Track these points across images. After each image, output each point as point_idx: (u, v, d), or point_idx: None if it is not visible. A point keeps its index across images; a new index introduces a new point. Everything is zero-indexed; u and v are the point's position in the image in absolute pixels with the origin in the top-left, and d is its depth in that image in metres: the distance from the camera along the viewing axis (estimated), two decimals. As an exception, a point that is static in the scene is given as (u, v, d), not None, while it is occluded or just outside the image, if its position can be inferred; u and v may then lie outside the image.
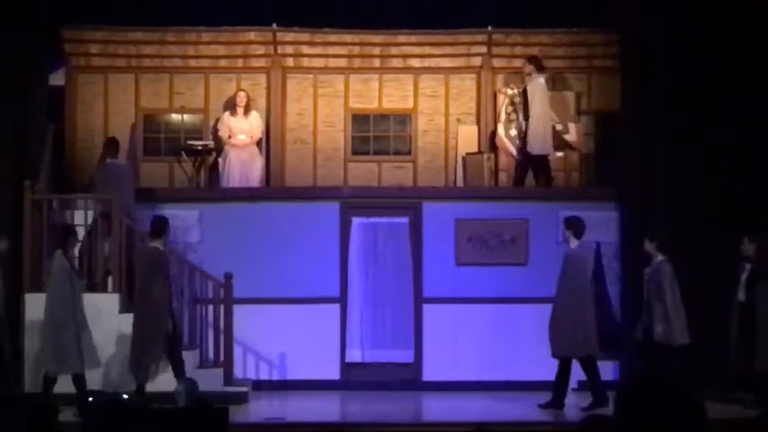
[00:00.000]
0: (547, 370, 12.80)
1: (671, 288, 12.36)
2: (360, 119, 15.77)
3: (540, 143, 14.91)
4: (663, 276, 12.35)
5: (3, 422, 7.09)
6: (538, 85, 14.97)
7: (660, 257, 12.42)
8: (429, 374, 14.36)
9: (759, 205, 13.22)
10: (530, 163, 15.00)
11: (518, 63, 15.55)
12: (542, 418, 11.86)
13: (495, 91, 15.49)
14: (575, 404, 12.33)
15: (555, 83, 15.39)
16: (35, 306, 12.76)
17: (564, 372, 12.33)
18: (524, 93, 15.05)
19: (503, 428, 11.18)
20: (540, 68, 15.02)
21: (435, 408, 13.01)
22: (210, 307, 13.30)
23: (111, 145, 14.35)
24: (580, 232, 12.51)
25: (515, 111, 15.20)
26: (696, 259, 12.76)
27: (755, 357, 12.14)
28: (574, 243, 12.49)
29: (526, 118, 14.96)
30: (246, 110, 15.16)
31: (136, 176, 14.80)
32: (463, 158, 15.42)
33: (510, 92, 15.30)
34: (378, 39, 15.55)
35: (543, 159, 15.03)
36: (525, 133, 14.92)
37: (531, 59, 15.05)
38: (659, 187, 14.04)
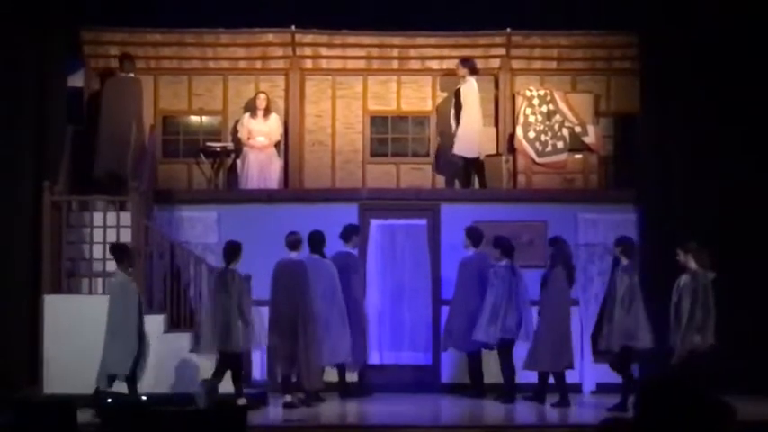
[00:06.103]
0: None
1: (706, 294, 12.27)
2: (378, 121, 15.76)
3: (467, 145, 14.90)
4: (699, 285, 12.20)
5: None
6: (470, 88, 14.95)
7: (694, 266, 12.24)
8: (447, 376, 14.35)
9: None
10: (464, 163, 15.04)
11: (537, 65, 15.55)
12: (561, 421, 11.83)
13: (514, 93, 15.45)
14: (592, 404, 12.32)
15: (482, 82, 15.25)
16: (54, 308, 12.82)
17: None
18: (457, 94, 15.05)
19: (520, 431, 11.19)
20: (474, 71, 15.00)
21: (453, 410, 12.99)
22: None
23: (122, 59, 14.72)
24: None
25: (534, 113, 15.20)
26: (715, 262, 12.68)
27: None
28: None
29: (457, 119, 14.95)
30: (266, 112, 15.18)
31: (153, 165, 14.82)
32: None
33: (528, 94, 15.28)
34: (396, 41, 15.53)
35: (476, 162, 15.04)
36: (455, 135, 14.95)
37: (465, 62, 15.03)
38: (678, 189, 14.01)
